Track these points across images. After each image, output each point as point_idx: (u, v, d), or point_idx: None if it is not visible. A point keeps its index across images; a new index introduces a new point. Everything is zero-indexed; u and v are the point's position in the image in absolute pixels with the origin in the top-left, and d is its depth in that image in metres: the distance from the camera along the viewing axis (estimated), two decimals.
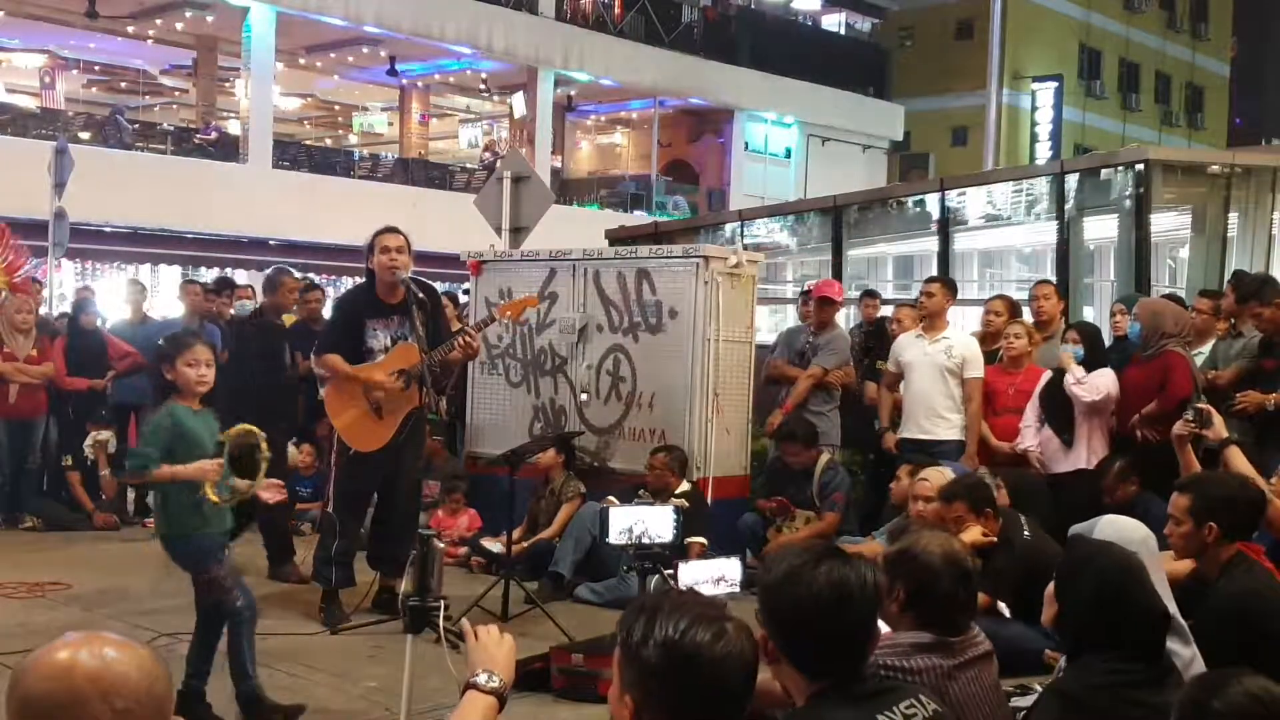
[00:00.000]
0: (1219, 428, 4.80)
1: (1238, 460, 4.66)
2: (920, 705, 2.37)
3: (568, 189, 26.92)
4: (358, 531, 6.60)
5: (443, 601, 3.78)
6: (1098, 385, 6.84)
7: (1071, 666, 3.01)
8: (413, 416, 6.42)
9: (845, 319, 11.43)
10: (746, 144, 29.83)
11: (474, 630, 2.42)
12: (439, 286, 8.08)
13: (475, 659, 2.36)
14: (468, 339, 6.39)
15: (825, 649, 2.32)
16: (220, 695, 4.91)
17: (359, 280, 7.58)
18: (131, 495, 9.44)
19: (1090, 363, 7.00)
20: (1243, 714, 2.14)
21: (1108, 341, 7.73)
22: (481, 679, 2.30)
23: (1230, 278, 8.22)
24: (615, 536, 5.88)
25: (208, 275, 17.64)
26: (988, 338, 7.81)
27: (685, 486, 7.16)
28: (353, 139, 31.28)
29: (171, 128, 24.08)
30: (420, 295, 6.28)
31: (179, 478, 4.55)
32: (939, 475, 5.95)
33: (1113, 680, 2.81)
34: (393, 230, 6.47)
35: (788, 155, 31.04)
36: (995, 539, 5.60)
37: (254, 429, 4.71)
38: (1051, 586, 3.09)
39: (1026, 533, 5.70)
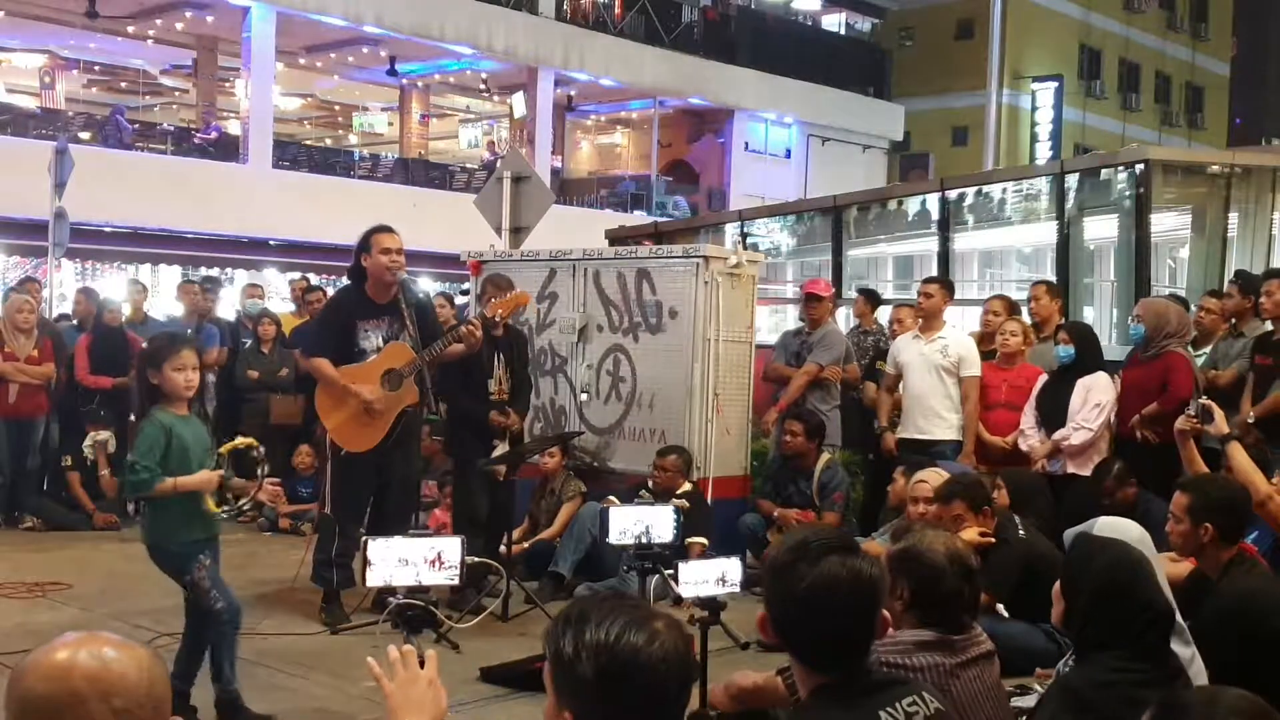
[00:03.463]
0: (1220, 423, 4.81)
1: (1239, 457, 4.66)
2: (922, 703, 2.35)
3: (568, 189, 26.91)
4: (357, 531, 6.59)
5: (399, 596, 3.82)
6: (1089, 418, 6.83)
7: (1079, 664, 3.01)
8: (405, 416, 6.41)
9: (844, 320, 11.44)
10: (746, 144, 29.81)
11: (383, 676, 2.15)
12: (438, 287, 8.06)
13: (391, 708, 2.11)
14: (471, 328, 6.40)
15: (820, 643, 2.30)
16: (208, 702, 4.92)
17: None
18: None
19: (1083, 362, 6.99)
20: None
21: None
22: None
23: (1234, 277, 8.22)
24: (615, 536, 5.87)
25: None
26: (986, 338, 7.81)
27: (686, 486, 7.16)
28: (353, 139, 31.28)
29: (171, 128, 24.09)
30: (419, 296, 6.28)
31: (181, 489, 4.50)
32: (936, 477, 5.94)
33: (1119, 678, 2.82)
34: (390, 230, 6.40)
35: (788, 155, 31.03)
36: (993, 538, 5.60)
37: (252, 440, 4.72)
38: (1058, 585, 3.09)
39: (1021, 531, 5.70)
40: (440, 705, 2.15)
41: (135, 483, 4.52)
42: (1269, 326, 6.92)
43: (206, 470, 4.55)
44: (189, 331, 9.50)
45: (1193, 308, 8.05)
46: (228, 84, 25.47)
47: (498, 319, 6.75)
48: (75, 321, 10.40)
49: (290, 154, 24.03)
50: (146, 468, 4.47)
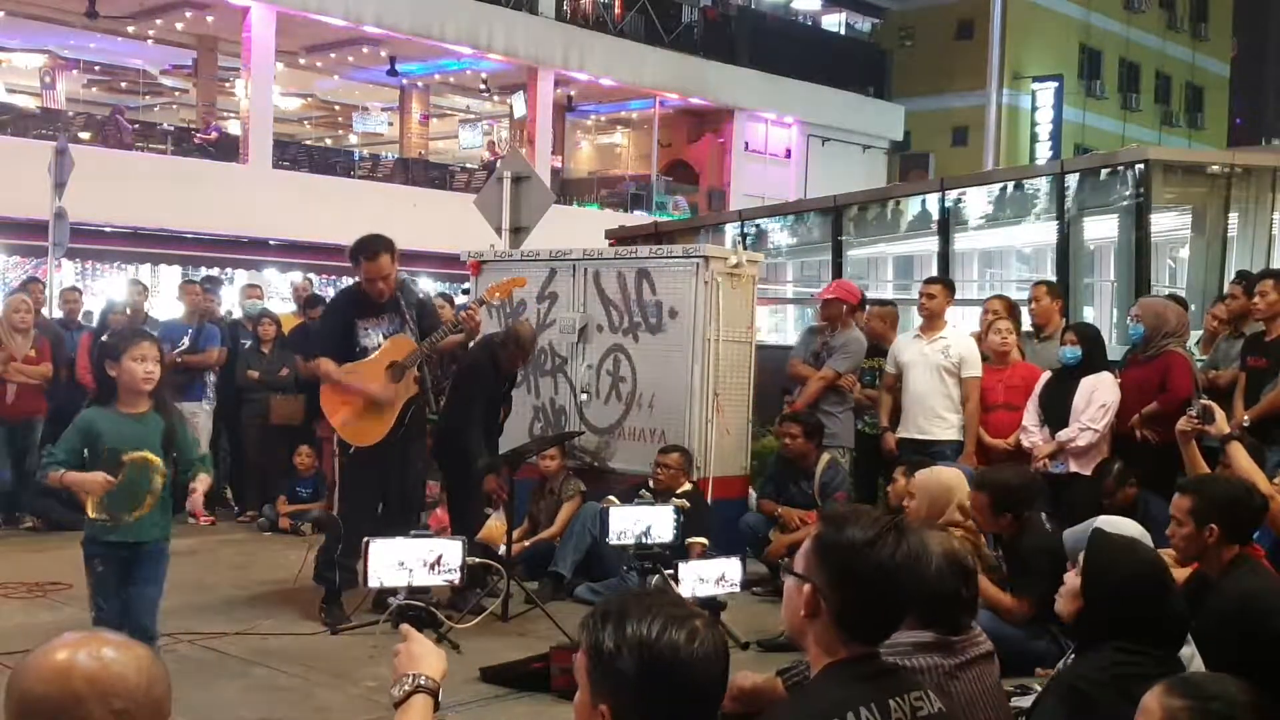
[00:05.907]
0: (1221, 423, 4.80)
1: (1239, 456, 4.65)
2: (928, 700, 2.36)
3: (568, 189, 26.91)
4: (367, 529, 6.57)
5: (399, 596, 3.83)
6: (1094, 418, 6.83)
7: (1080, 658, 3.01)
8: (411, 406, 6.44)
9: None
10: (746, 144, 29.83)
11: (410, 633, 2.36)
12: (438, 286, 8.08)
13: (413, 656, 2.27)
14: (470, 312, 6.48)
15: (885, 614, 2.29)
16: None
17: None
18: None
19: (1090, 364, 6.98)
20: None
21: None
22: (396, 691, 2.20)
23: (1235, 278, 8.21)
24: (615, 536, 5.87)
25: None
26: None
27: (686, 486, 7.16)
28: (353, 139, 31.28)
29: (171, 128, 24.08)
30: (419, 295, 6.32)
31: (65, 484, 4.45)
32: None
33: (1120, 672, 2.82)
34: (375, 256, 6.31)
35: (788, 155, 31.04)
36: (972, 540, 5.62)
37: (152, 458, 4.47)
38: (1075, 582, 3.07)
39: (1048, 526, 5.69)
40: (444, 660, 2.31)
41: (43, 465, 4.57)
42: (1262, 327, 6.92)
43: (94, 474, 4.38)
44: (190, 331, 9.51)
45: (1193, 307, 8.04)
46: (228, 84, 25.46)
47: (496, 301, 6.82)
48: (62, 315, 10.39)
49: (290, 154, 24.01)
50: (51, 454, 4.51)
